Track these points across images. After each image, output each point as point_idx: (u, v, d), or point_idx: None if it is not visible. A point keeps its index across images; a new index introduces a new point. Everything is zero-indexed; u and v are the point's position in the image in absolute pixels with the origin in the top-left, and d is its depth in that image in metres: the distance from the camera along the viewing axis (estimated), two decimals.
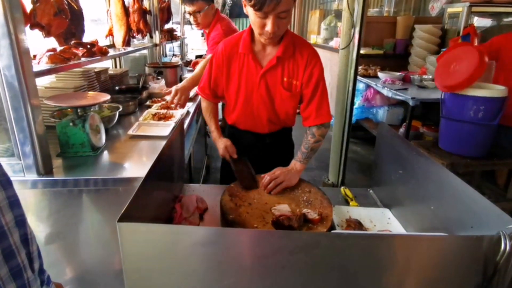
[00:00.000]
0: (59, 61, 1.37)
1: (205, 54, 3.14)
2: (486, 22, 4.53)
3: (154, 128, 1.72)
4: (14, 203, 0.53)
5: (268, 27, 1.15)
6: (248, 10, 1.17)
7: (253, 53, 1.33)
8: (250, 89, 1.37)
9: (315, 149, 1.36)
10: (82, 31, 1.78)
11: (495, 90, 2.10)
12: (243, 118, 1.48)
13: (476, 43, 3.48)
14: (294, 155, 1.46)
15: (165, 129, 1.69)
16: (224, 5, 7.74)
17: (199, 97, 2.43)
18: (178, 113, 1.94)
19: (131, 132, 1.63)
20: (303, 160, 1.34)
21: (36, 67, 1.28)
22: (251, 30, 1.31)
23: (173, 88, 1.84)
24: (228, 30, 2.31)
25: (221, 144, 1.46)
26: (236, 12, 8.07)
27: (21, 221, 0.54)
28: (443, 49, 3.32)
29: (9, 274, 0.52)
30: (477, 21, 4.45)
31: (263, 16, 1.13)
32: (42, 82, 1.73)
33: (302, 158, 1.34)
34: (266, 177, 1.25)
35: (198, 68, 2.06)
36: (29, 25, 1.40)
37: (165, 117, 1.86)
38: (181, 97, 1.84)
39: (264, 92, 1.36)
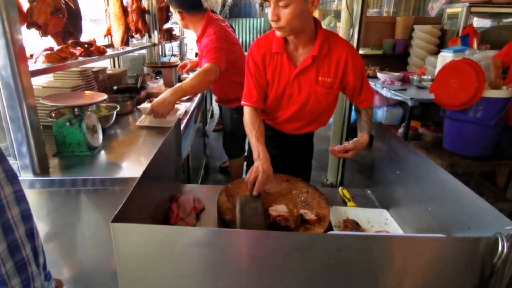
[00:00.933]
0: (56, 61, 1.36)
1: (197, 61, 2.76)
2: (486, 23, 4.53)
3: (160, 119, 1.72)
4: (20, 197, 0.54)
5: (269, 15, 1.19)
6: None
7: (288, 52, 1.31)
8: (282, 89, 1.38)
9: (371, 122, 1.49)
10: (79, 30, 1.77)
11: (500, 91, 2.10)
12: (272, 116, 1.51)
13: (475, 44, 3.49)
14: (311, 160, 1.60)
15: (170, 120, 1.70)
16: (223, 5, 7.74)
17: (197, 96, 2.44)
18: (181, 106, 1.96)
19: (138, 123, 1.71)
20: (366, 132, 1.45)
21: (33, 67, 1.27)
22: None
23: (151, 104, 1.69)
24: (220, 33, 2.10)
25: (267, 167, 1.16)
26: (236, 12, 8.06)
27: (27, 216, 0.55)
28: (442, 50, 3.32)
29: (14, 268, 0.52)
30: (477, 22, 4.46)
31: (268, 5, 1.17)
32: (39, 82, 1.72)
33: (366, 130, 1.46)
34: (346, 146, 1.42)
35: (190, 78, 1.89)
36: (26, 24, 1.39)
37: None
38: (158, 114, 1.68)
39: (296, 91, 1.36)
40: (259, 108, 1.41)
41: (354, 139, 1.45)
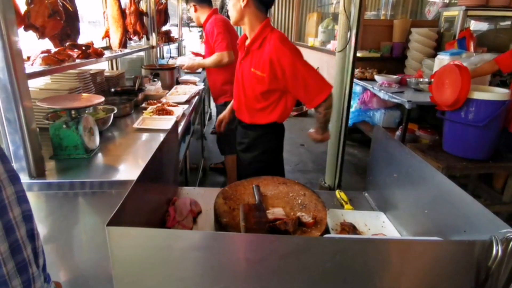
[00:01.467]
0: (53, 63, 1.36)
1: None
2: (482, 26, 4.56)
3: (157, 122, 1.84)
4: (22, 198, 0.54)
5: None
6: None
7: (243, 40, 1.64)
8: (235, 70, 1.74)
9: (328, 118, 1.57)
10: (77, 32, 1.77)
11: (488, 94, 2.12)
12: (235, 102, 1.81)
13: (472, 47, 3.51)
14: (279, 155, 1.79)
15: (167, 122, 1.79)
16: (222, 7, 7.76)
17: (195, 99, 2.45)
18: (179, 109, 2.04)
19: (136, 125, 1.76)
20: (320, 130, 1.62)
21: (30, 69, 1.27)
22: None
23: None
24: (224, 22, 2.58)
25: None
26: None
27: (28, 216, 0.55)
28: (439, 53, 3.33)
29: (15, 269, 0.53)
30: (473, 25, 4.49)
31: None
32: (36, 84, 1.72)
33: (319, 127, 1.61)
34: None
35: (207, 59, 2.60)
36: (23, 26, 1.39)
37: (167, 113, 1.99)
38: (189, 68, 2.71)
39: (239, 75, 1.66)
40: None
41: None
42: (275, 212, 1.09)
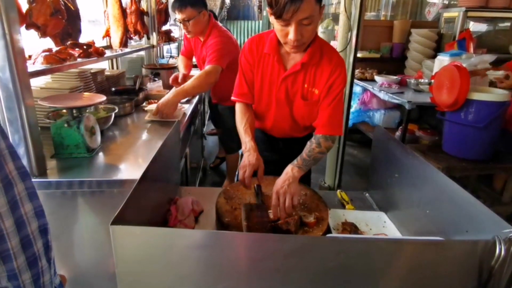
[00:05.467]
0: (55, 62, 1.36)
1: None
2: (482, 27, 4.57)
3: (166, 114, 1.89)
4: (33, 194, 0.55)
5: (291, 35, 1.09)
6: (271, 18, 1.13)
7: (279, 54, 1.28)
8: (271, 91, 1.35)
9: (318, 159, 1.24)
10: (78, 31, 1.77)
11: (489, 94, 2.12)
12: (261, 119, 1.47)
13: (471, 48, 3.52)
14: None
15: (176, 115, 1.87)
16: (222, 7, 7.75)
17: (196, 98, 2.44)
18: (185, 105, 2.07)
19: (146, 118, 1.85)
20: (302, 167, 1.19)
21: (31, 68, 1.27)
22: None
23: (157, 105, 1.87)
24: (225, 36, 2.26)
25: (254, 158, 1.20)
26: (234, 15, 8.07)
27: (40, 212, 0.57)
28: (439, 54, 3.34)
29: (26, 262, 0.55)
30: (473, 26, 4.50)
31: (285, 24, 1.08)
32: (37, 83, 1.72)
33: (302, 164, 1.20)
34: (273, 211, 1.11)
35: (192, 79, 2.03)
36: (25, 25, 1.39)
37: None
38: (163, 114, 1.85)
39: (283, 96, 1.33)
40: (250, 103, 1.42)
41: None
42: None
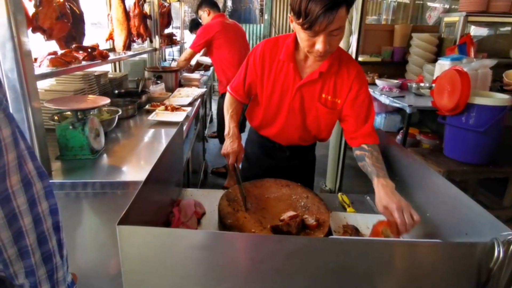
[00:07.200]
0: (60, 65, 1.38)
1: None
2: (483, 32, 4.59)
3: (170, 115, 1.98)
4: (49, 193, 0.58)
5: (319, 46, 1.05)
6: (295, 26, 1.08)
7: (295, 62, 1.24)
8: (283, 99, 1.30)
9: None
10: (82, 34, 1.79)
11: (489, 99, 2.14)
12: (268, 126, 1.42)
13: (472, 52, 3.53)
14: (314, 170, 1.55)
15: (180, 115, 1.96)
16: (224, 10, 7.81)
17: (198, 101, 2.46)
18: (187, 108, 2.15)
19: (150, 118, 1.89)
20: (386, 175, 1.12)
21: (38, 70, 1.29)
22: (296, 37, 1.20)
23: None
24: (211, 26, 2.97)
25: (236, 146, 1.26)
26: (236, 18, 8.12)
27: (55, 210, 0.60)
28: (440, 58, 3.36)
29: (41, 258, 0.57)
30: (474, 30, 4.51)
31: (313, 35, 1.04)
32: (42, 85, 1.74)
33: (384, 173, 1.12)
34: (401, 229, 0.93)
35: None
36: (31, 28, 1.41)
37: (176, 110, 2.11)
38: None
39: (298, 104, 1.29)
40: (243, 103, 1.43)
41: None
42: (288, 215, 1.09)
